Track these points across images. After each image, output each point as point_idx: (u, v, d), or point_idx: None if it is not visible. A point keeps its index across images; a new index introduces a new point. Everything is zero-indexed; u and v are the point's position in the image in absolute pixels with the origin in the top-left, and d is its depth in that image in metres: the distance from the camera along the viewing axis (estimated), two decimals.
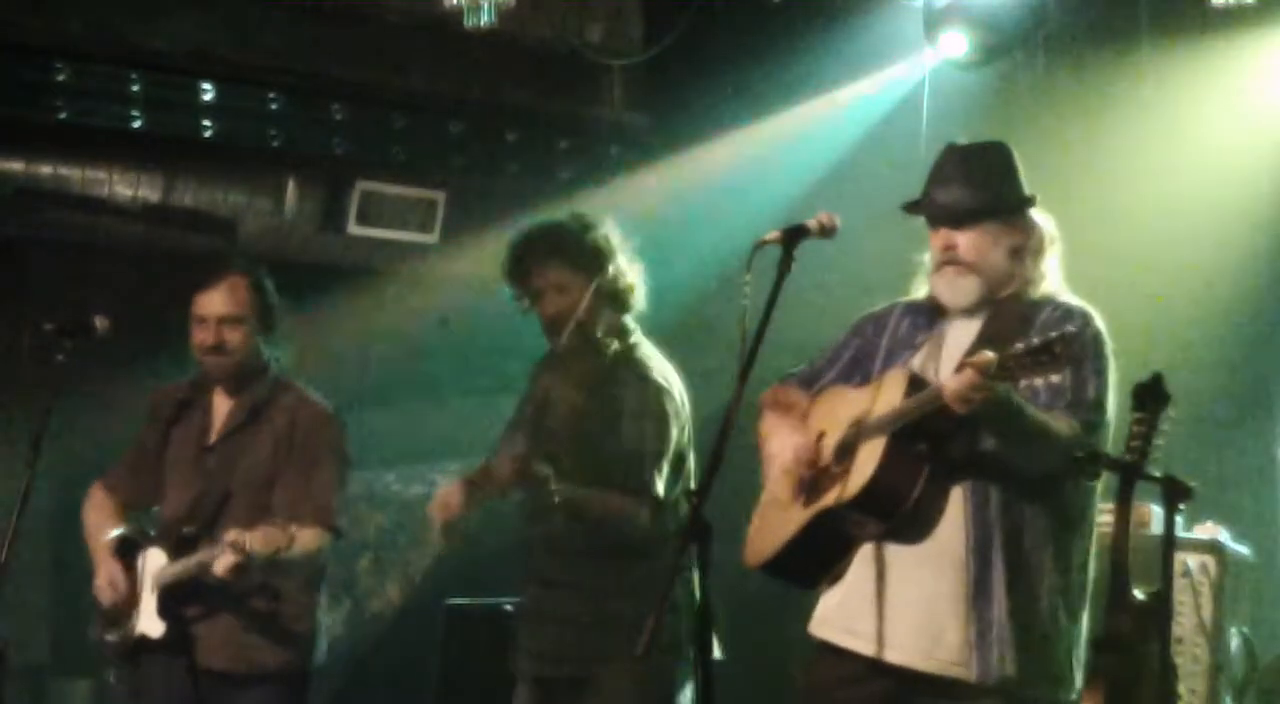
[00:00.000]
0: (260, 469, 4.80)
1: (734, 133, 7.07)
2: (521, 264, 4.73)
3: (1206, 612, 5.31)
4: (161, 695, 4.80)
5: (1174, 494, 3.63)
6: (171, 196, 6.67)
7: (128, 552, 4.84)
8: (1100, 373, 3.81)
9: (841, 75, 6.90)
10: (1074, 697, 3.85)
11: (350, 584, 7.76)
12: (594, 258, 4.69)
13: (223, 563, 4.51)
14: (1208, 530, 5.48)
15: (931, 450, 3.76)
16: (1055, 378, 3.64)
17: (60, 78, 6.29)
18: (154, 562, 4.79)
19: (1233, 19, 6.06)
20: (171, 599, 4.69)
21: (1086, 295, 4.04)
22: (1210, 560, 5.37)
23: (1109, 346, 3.88)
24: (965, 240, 3.93)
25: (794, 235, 3.71)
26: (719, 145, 7.09)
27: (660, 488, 4.60)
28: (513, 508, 4.92)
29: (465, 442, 7.89)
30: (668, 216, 6.95)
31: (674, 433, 4.68)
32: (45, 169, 6.43)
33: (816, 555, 3.96)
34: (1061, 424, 3.72)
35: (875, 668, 3.87)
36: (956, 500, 3.81)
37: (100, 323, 4.78)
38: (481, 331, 7.20)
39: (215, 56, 6.59)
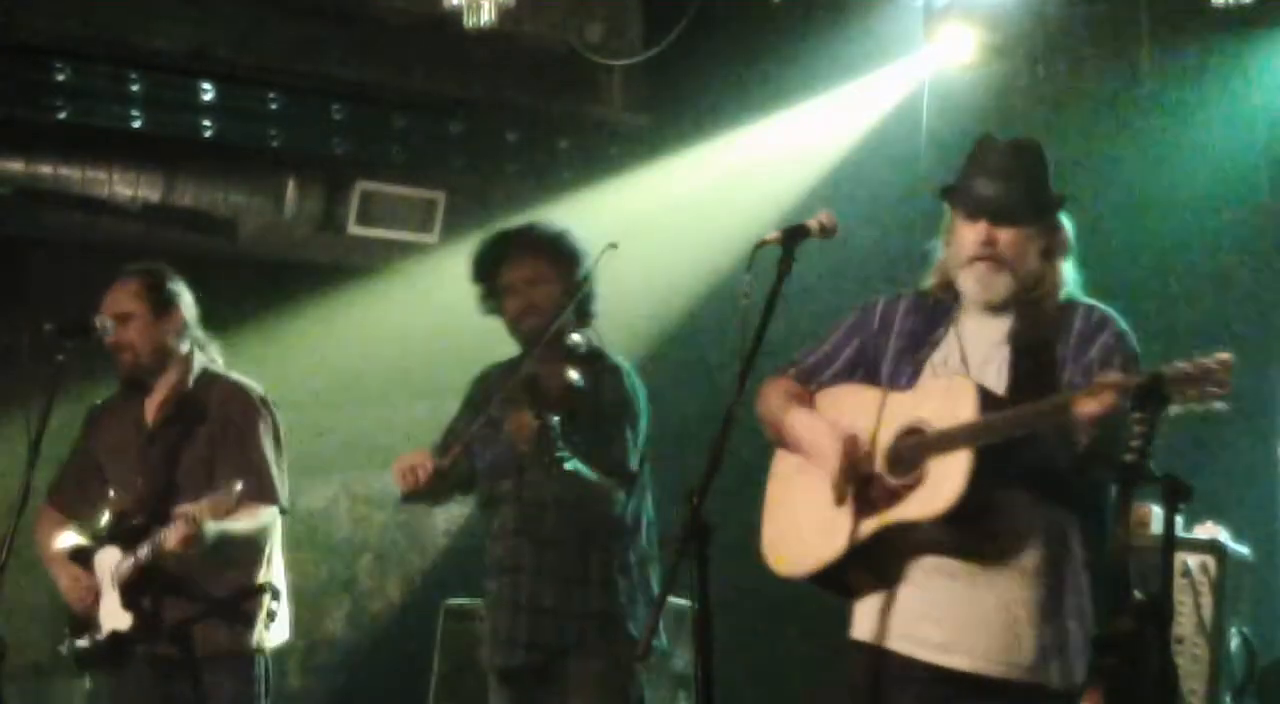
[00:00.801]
0: (200, 456, 4.88)
1: (734, 133, 7.07)
2: (497, 258, 4.84)
3: (1206, 612, 5.31)
4: (136, 688, 4.84)
5: (1174, 494, 3.62)
6: (171, 196, 6.67)
7: (83, 559, 4.89)
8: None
9: (841, 75, 6.89)
10: None
11: (350, 584, 7.76)
12: (569, 259, 4.80)
13: (174, 535, 4.56)
14: (1208, 530, 5.48)
15: (1012, 459, 3.67)
16: (1220, 405, 3.51)
17: (60, 78, 6.29)
18: (110, 559, 4.84)
19: (1233, 19, 6.06)
20: (134, 591, 4.73)
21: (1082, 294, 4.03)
22: (1210, 560, 5.37)
23: None
24: (1006, 238, 3.85)
25: (794, 235, 3.71)
26: (719, 145, 7.09)
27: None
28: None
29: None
30: (668, 216, 6.95)
31: (644, 428, 4.80)
32: (45, 169, 6.43)
33: (872, 565, 3.83)
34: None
35: (935, 674, 3.78)
36: (1026, 506, 3.74)
37: (100, 323, 4.81)
38: (481, 332, 7.20)
39: (215, 56, 6.59)
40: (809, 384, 4.04)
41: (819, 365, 4.07)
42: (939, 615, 3.77)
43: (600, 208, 6.84)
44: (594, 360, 4.77)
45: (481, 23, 6.00)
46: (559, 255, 4.78)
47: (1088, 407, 3.50)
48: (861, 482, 3.79)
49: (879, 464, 3.78)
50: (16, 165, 6.36)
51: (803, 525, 3.92)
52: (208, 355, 5.04)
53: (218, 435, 4.88)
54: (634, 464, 4.72)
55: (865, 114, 6.96)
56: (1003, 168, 3.90)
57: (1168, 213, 6.17)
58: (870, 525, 3.77)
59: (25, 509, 4.57)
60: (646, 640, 3.75)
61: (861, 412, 3.85)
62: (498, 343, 5.12)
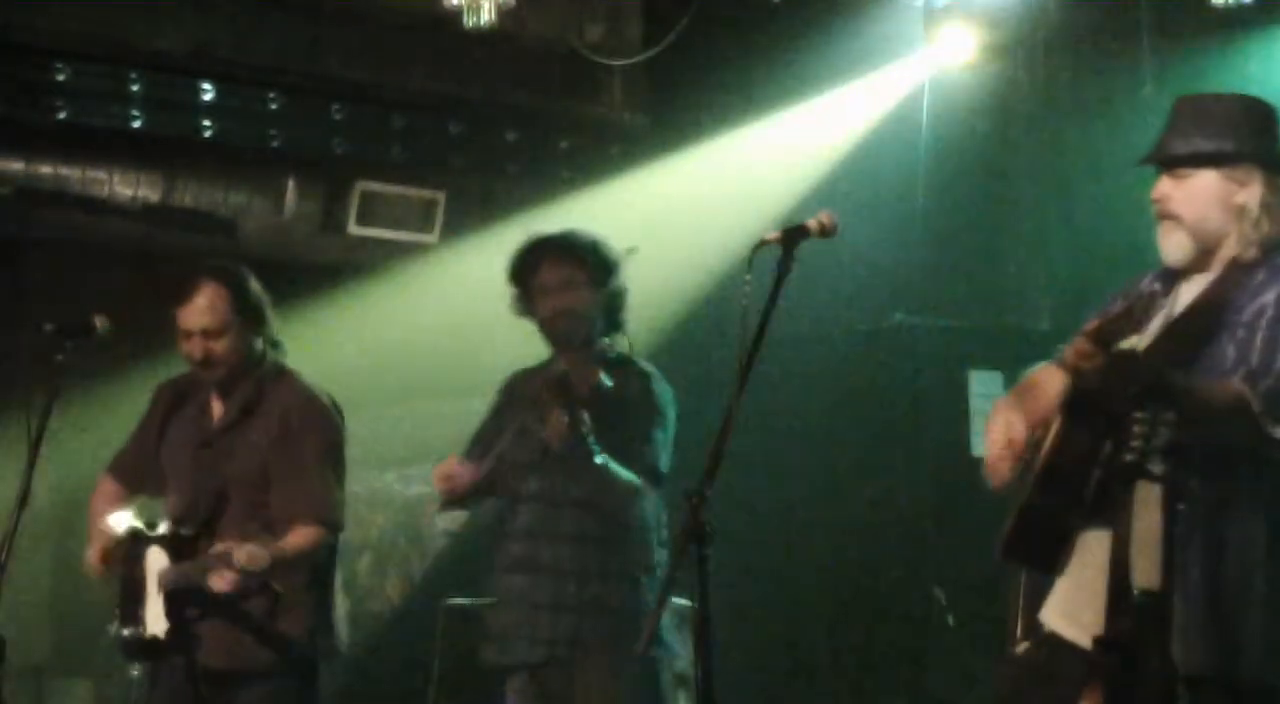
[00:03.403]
0: (254, 466, 4.79)
1: (734, 133, 7.07)
2: (535, 260, 4.88)
3: None
4: (166, 695, 4.82)
5: (1174, 494, 3.62)
6: (171, 196, 6.68)
7: (136, 553, 4.84)
8: None
9: (841, 75, 6.89)
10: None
11: (350, 584, 7.77)
12: (605, 267, 4.87)
13: (217, 581, 4.52)
14: None
15: (1113, 430, 3.52)
16: (1134, 338, 3.35)
17: (60, 78, 6.29)
18: (156, 561, 4.79)
19: (1233, 19, 6.06)
20: (177, 601, 4.70)
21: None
22: None
23: None
24: (1178, 190, 3.69)
25: (794, 235, 3.70)
26: (719, 145, 7.09)
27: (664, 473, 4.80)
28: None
29: (465, 442, 7.89)
30: (668, 216, 6.95)
31: (673, 431, 4.85)
32: (45, 169, 6.43)
33: (1039, 542, 3.72)
34: (1224, 391, 3.49)
35: (1087, 657, 3.66)
36: (1151, 484, 3.58)
37: (100, 323, 4.78)
38: (481, 332, 7.20)
39: (215, 56, 6.59)
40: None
41: None
42: (1090, 595, 3.67)
43: (600, 208, 6.84)
44: (623, 365, 4.86)
45: (481, 23, 6.00)
46: (594, 263, 4.86)
47: (1065, 352, 3.46)
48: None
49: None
50: (16, 165, 6.36)
51: (1010, 510, 3.84)
52: (278, 351, 4.94)
53: (276, 447, 4.78)
54: (664, 465, 4.80)
55: (865, 114, 6.95)
56: (1182, 119, 3.78)
57: None
58: (1021, 498, 3.71)
59: (25, 509, 4.56)
60: (647, 638, 3.75)
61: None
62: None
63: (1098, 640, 3.65)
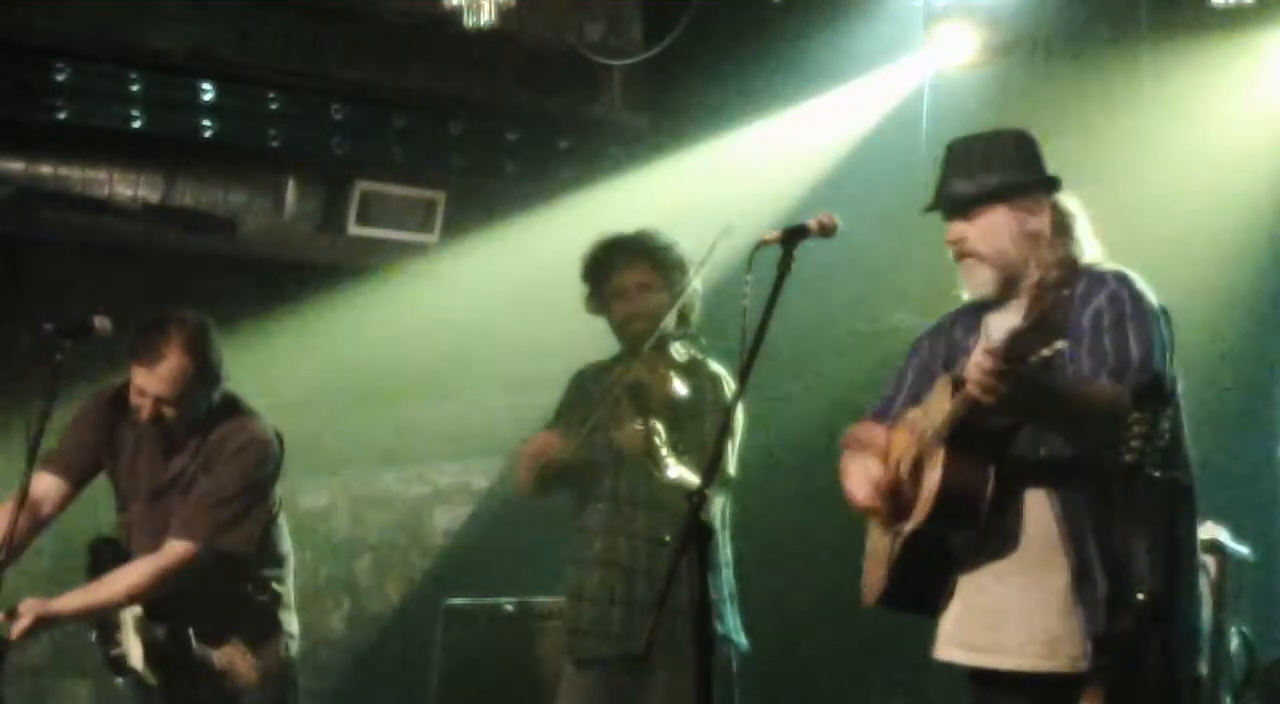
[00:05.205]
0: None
1: (734, 133, 7.07)
2: (610, 262, 5.01)
3: (1206, 611, 5.31)
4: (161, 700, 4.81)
5: (1174, 494, 3.62)
6: (171, 196, 6.67)
7: (102, 562, 4.80)
8: (1143, 332, 3.71)
9: (841, 75, 6.90)
10: (1194, 670, 3.77)
11: (350, 584, 7.76)
12: (677, 268, 5.00)
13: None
14: (1208, 530, 5.46)
15: (997, 450, 3.67)
16: (1059, 344, 3.44)
17: (60, 78, 6.28)
18: None
19: (1233, 19, 6.06)
20: (156, 657, 4.67)
21: None
22: (1210, 560, 5.37)
23: (1153, 305, 3.79)
24: (972, 230, 3.87)
25: (794, 235, 3.72)
26: (719, 145, 7.09)
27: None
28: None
29: (465, 442, 7.90)
30: (668, 217, 6.94)
31: (741, 432, 4.89)
32: (45, 169, 6.42)
33: (923, 579, 3.89)
34: (1102, 391, 3.61)
35: (997, 680, 3.82)
36: (1042, 498, 3.73)
37: (100, 323, 4.76)
38: (481, 332, 7.19)
39: (215, 56, 6.58)
40: (886, 419, 4.06)
41: (892, 398, 4.10)
42: (980, 619, 3.80)
43: (600, 208, 6.84)
44: (696, 369, 4.94)
45: (481, 23, 6.00)
46: (668, 264, 4.98)
47: (969, 375, 3.53)
48: (901, 501, 3.85)
49: (905, 479, 3.85)
50: (16, 165, 6.35)
51: (871, 557, 4.02)
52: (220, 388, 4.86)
53: (201, 475, 4.76)
54: (732, 469, 4.85)
55: (865, 114, 6.96)
56: (959, 164, 3.93)
57: (1167, 213, 6.17)
58: (897, 544, 3.85)
59: (25, 509, 4.56)
60: (645, 640, 3.76)
61: (914, 431, 3.88)
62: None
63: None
